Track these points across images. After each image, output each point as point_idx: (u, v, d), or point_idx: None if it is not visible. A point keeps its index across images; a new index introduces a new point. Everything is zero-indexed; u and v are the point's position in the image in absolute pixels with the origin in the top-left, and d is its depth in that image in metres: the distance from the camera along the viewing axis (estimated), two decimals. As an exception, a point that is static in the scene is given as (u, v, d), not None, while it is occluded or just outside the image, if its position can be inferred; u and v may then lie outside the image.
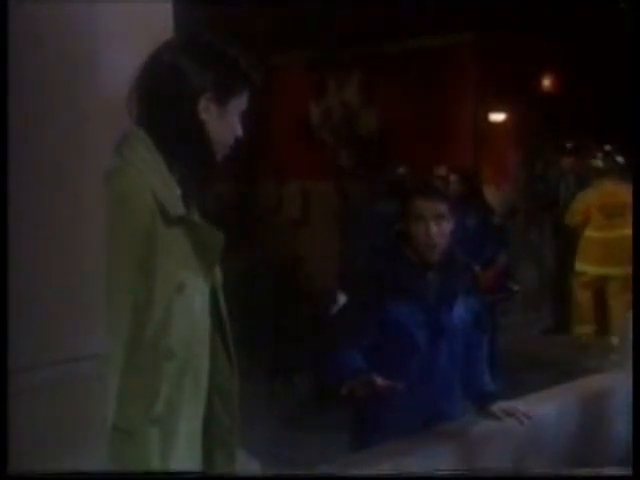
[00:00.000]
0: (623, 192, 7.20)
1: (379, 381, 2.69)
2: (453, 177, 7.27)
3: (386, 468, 2.75)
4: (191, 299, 1.75)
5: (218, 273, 1.88)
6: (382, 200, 7.43)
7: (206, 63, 1.77)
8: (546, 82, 9.57)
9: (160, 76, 1.76)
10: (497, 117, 9.50)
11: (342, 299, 2.96)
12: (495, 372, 3.39)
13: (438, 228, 2.94)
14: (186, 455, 1.79)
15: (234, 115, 1.82)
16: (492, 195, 8.23)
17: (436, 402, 3.03)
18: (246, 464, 2.22)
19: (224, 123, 1.80)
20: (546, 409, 3.42)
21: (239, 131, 1.84)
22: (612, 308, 7.49)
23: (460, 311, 3.04)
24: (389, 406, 2.91)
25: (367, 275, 3.05)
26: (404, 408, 2.94)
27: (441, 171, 8.41)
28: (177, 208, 1.73)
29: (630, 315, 3.97)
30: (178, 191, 1.76)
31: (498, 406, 3.11)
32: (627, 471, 2.95)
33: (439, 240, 2.95)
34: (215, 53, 1.80)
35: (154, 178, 1.72)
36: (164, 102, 1.76)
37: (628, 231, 7.14)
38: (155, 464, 1.72)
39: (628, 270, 7.14)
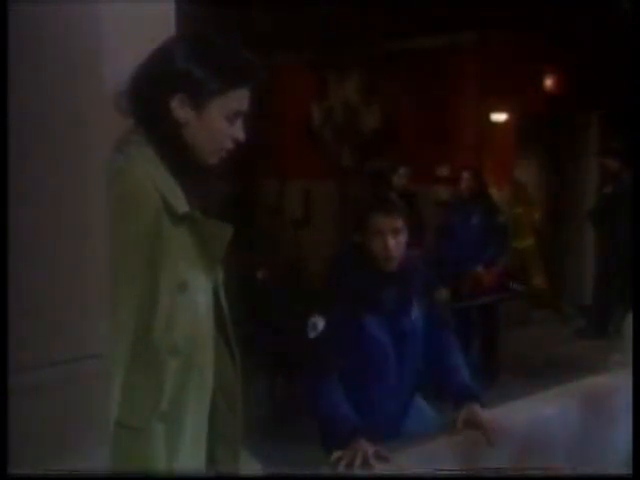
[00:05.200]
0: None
1: (369, 451, 2.74)
2: (466, 174, 7.27)
3: (386, 468, 2.75)
4: (194, 297, 1.75)
5: (220, 271, 1.88)
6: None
7: (176, 64, 1.75)
8: (548, 82, 9.56)
9: (141, 75, 1.77)
10: (498, 117, 9.50)
11: (321, 324, 2.96)
12: (495, 372, 3.38)
13: (395, 242, 3.00)
14: (192, 451, 1.79)
15: (219, 117, 1.78)
16: (494, 195, 8.23)
17: (407, 405, 3.09)
18: (247, 464, 2.22)
19: (205, 125, 1.77)
20: (547, 409, 3.42)
21: (239, 134, 1.81)
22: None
23: (417, 312, 3.11)
24: (369, 413, 2.98)
25: (341, 291, 3.06)
26: (385, 413, 3.04)
27: (443, 171, 8.43)
28: (183, 205, 1.73)
29: (630, 315, 3.97)
30: (179, 190, 1.76)
31: (472, 411, 3.02)
32: (628, 471, 2.95)
33: (396, 253, 3.01)
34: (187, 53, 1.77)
35: (158, 176, 1.72)
36: (145, 102, 1.76)
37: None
38: (161, 460, 1.73)
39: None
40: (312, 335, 2.95)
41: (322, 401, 2.91)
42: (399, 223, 3.03)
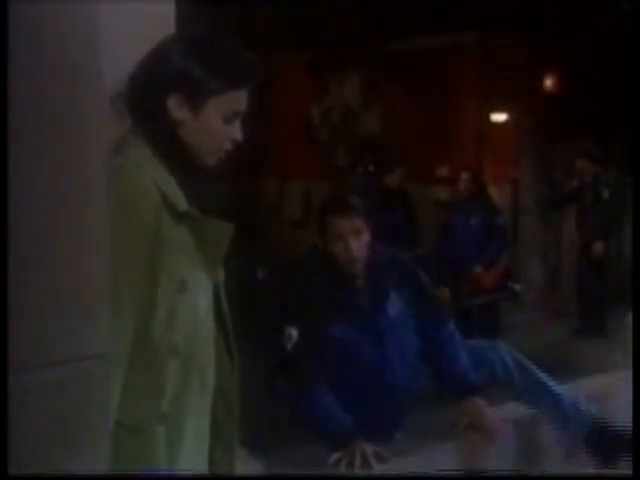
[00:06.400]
0: None
1: (368, 450, 2.74)
2: (464, 175, 7.29)
3: (386, 468, 2.75)
4: (194, 296, 1.75)
5: (220, 271, 1.88)
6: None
7: (174, 63, 1.74)
8: (548, 82, 9.56)
9: (138, 74, 1.76)
10: (499, 117, 9.50)
11: (294, 334, 2.95)
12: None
13: (357, 243, 2.94)
14: (193, 452, 1.78)
15: (216, 118, 1.76)
16: (494, 195, 8.24)
17: (400, 400, 3.07)
18: (246, 463, 2.22)
19: (203, 126, 1.76)
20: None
21: (237, 135, 1.80)
22: None
23: (397, 305, 3.06)
24: (361, 414, 2.96)
25: (304, 300, 3.03)
26: (380, 412, 3.03)
27: (442, 171, 8.43)
28: (183, 204, 1.72)
29: (630, 315, 3.97)
30: (179, 189, 1.76)
31: (474, 405, 3.00)
32: (627, 471, 2.95)
33: (359, 255, 2.95)
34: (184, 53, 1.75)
35: (157, 176, 1.72)
36: (142, 102, 1.76)
37: None
38: (162, 461, 1.72)
39: None
40: (288, 346, 2.94)
41: (313, 408, 2.89)
42: (359, 223, 2.96)
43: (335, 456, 2.78)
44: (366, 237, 2.98)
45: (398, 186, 7.92)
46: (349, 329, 2.99)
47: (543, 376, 3.09)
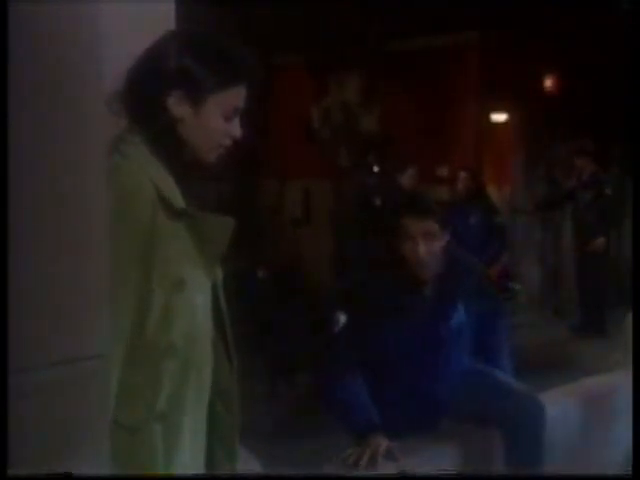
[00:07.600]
0: None
1: (382, 448, 2.73)
2: (463, 174, 7.29)
3: (388, 468, 2.75)
4: (192, 295, 1.74)
5: (219, 270, 1.87)
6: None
7: (173, 61, 1.74)
8: (548, 82, 9.56)
9: (137, 72, 1.76)
10: (499, 117, 9.50)
11: (342, 318, 2.92)
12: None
13: (427, 247, 2.86)
14: (191, 451, 1.78)
15: (216, 115, 1.77)
16: (493, 195, 8.24)
17: (444, 404, 3.04)
18: (246, 463, 2.22)
19: (202, 123, 1.76)
20: (547, 409, 3.41)
21: (236, 131, 1.81)
22: None
23: (460, 317, 3.01)
24: (392, 411, 2.94)
25: (364, 293, 2.99)
26: (407, 412, 2.98)
27: (442, 171, 8.44)
28: (180, 201, 1.72)
29: (630, 314, 3.97)
30: (177, 187, 1.75)
31: None
32: (627, 471, 2.95)
33: (428, 259, 2.87)
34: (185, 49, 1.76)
35: (155, 173, 1.72)
36: (141, 100, 1.75)
37: None
38: (159, 461, 1.72)
39: None
40: (335, 329, 2.90)
41: (341, 394, 2.86)
42: (433, 227, 2.87)
43: (347, 453, 2.76)
44: (440, 242, 2.90)
45: (412, 188, 7.90)
46: (400, 330, 2.94)
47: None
